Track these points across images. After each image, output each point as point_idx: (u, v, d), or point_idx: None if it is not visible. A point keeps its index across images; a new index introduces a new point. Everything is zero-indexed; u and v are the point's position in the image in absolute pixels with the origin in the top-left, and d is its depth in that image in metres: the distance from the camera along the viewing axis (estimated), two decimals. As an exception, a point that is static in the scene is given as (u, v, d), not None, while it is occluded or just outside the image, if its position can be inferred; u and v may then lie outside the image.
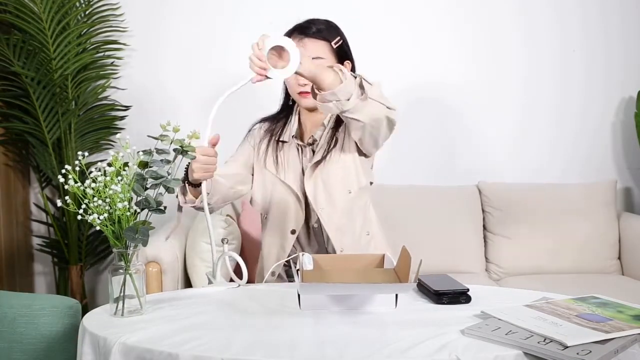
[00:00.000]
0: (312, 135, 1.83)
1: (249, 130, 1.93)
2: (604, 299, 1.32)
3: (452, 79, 2.98)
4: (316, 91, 1.56)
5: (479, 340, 1.12)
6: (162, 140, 1.36)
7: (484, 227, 2.80)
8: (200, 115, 2.87)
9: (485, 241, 2.80)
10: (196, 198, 1.64)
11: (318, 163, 1.78)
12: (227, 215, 2.40)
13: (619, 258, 2.76)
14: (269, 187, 1.82)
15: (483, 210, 2.81)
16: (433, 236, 2.64)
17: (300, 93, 1.79)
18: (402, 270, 1.34)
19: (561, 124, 3.01)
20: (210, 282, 1.56)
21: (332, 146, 1.80)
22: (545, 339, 1.08)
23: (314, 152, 1.82)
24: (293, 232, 1.79)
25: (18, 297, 1.63)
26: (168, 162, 1.34)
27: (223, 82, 2.88)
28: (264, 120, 1.93)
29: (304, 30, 1.77)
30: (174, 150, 1.37)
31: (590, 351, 1.04)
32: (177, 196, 1.66)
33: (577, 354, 1.03)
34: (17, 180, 2.90)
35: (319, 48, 1.76)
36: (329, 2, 2.86)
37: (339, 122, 1.82)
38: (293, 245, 1.80)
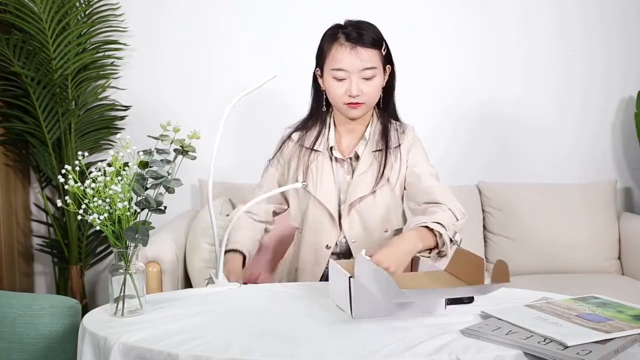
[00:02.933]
0: (355, 151, 1.75)
1: (278, 148, 1.82)
2: (604, 299, 1.32)
3: (452, 79, 2.98)
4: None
5: (479, 340, 1.12)
6: (162, 140, 1.36)
7: (484, 227, 2.80)
8: (201, 114, 2.89)
9: (485, 241, 2.80)
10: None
11: (361, 199, 1.71)
12: (227, 215, 2.39)
13: (619, 258, 2.76)
14: (304, 202, 1.76)
15: (483, 210, 2.81)
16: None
17: (349, 104, 1.70)
18: (463, 271, 1.33)
19: (561, 124, 3.01)
20: (212, 282, 1.56)
21: (378, 178, 1.71)
22: (545, 339, 1.08)
23: (353, 170, 1.75)
24: (328, 247, 1.74)
25: (18, 297, 1.63)
26: (168, 162, 1.34)
27: (223, 82, 2.92)
28: (291, 132, 1.82)
29: (351, 36, 1.69)
30: (174, 150, 1.37)
31: (590, 351, 1.04)
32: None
33: (577, 354, 1.03)
34: (17, 180, 2.90)
35: (372, 57, 1.69)
36: (329, 3, 2.87)
37: (385, 138, 1.75)
38: (329, 260, 1.77)
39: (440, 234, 1.52)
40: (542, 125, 3.01)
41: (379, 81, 1.72)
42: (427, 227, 1.52)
